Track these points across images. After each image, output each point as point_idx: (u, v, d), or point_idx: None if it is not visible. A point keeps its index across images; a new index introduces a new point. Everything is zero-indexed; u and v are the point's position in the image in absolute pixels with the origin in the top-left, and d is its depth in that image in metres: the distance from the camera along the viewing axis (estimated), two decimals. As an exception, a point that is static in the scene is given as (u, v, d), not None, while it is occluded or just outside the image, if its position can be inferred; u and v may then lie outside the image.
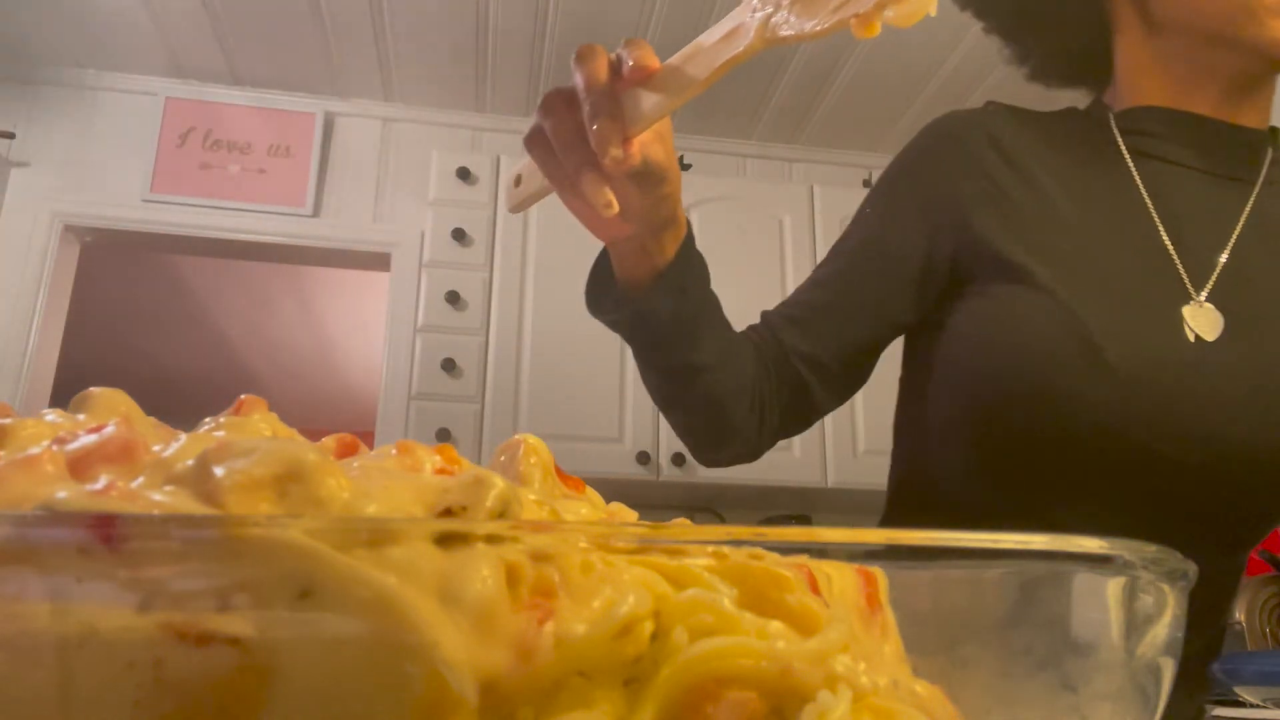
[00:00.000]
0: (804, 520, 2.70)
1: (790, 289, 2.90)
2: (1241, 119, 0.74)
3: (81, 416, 0.25)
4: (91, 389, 0.26)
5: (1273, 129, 0.76)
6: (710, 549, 0.20)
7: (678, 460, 2.38)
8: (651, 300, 0.63)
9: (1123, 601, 0.22)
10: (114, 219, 2.67)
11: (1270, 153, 0.75)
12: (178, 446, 0.21)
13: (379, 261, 2.80)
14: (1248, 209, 0.72)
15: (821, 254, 3.11)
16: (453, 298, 2.47)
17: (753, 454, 0.75)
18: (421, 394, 2.40)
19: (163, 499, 0.19)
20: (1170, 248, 0.70)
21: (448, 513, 0.20)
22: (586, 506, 0.26)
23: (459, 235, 2.51)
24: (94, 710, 0.16)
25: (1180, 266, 0.69)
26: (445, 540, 0.17)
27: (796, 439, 2.45)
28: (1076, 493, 0.66)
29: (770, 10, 0.45)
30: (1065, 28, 0.80)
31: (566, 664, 0.18)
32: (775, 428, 0.75)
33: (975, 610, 0.22)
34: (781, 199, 2.69)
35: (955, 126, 0.77)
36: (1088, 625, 0.22)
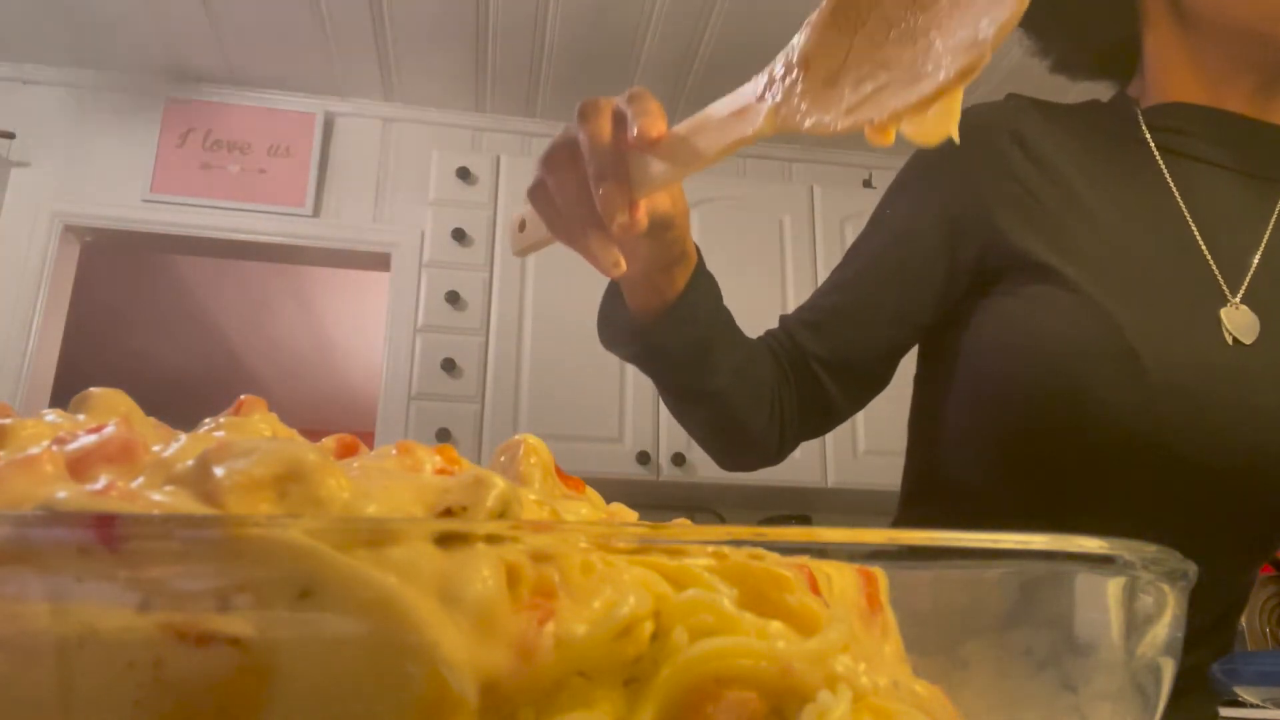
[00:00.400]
0: (804, 520, 2.70)
1: (790, 289, 2.90)
2: (1274, 116, 0.72)
3: (81, 417, 0.25)
4: (91, 389, 0.26)
5: None
6: (710, 549, 0.20)
7: (678, 460, 2.38)
8: (662, 333, 0.63)
9: (1123, 601, 0.22)
10: (114, 219, 2.67)
11: None
12: (178, 447, 0.21)
13: (379, 261, 2.80)
14: (1278, 208, 0.70)
15: (822, 254, 3.08)
16: (453, 298, 2.47)
17: (774, 459, 0.74)
18: (421, 394, 2.41)
19: (163, 499, 0.19)
20: (1204, 248, 0.68)
21: (448, 513, 0.20)
22: (587, 507, 0.26)
23: (459, 235, 2.51)
24: (94, 710, 0.16)
25: (1215, 268, 0.68)
26: (445, 540, 0.17)
27: (796, 439, 2.45)
28: (1104, 500, 0.65)
29: (781, 98, 0.43)
30: (1095, 22, 0.78)
31: (567, 664, 0.18)
32: (795, 432, 0.74)
33: (975, 610, 0.22)
34: (781, 199, 2.69)
35: (976, 122, 0.75)
36: (1088, 625, 0.22)
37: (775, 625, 0.20)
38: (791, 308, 2.70)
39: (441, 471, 0.24)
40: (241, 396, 0.27)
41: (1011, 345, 0.67)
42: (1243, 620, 2.18)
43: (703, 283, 0.63)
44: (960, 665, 0.23)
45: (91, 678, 0.16)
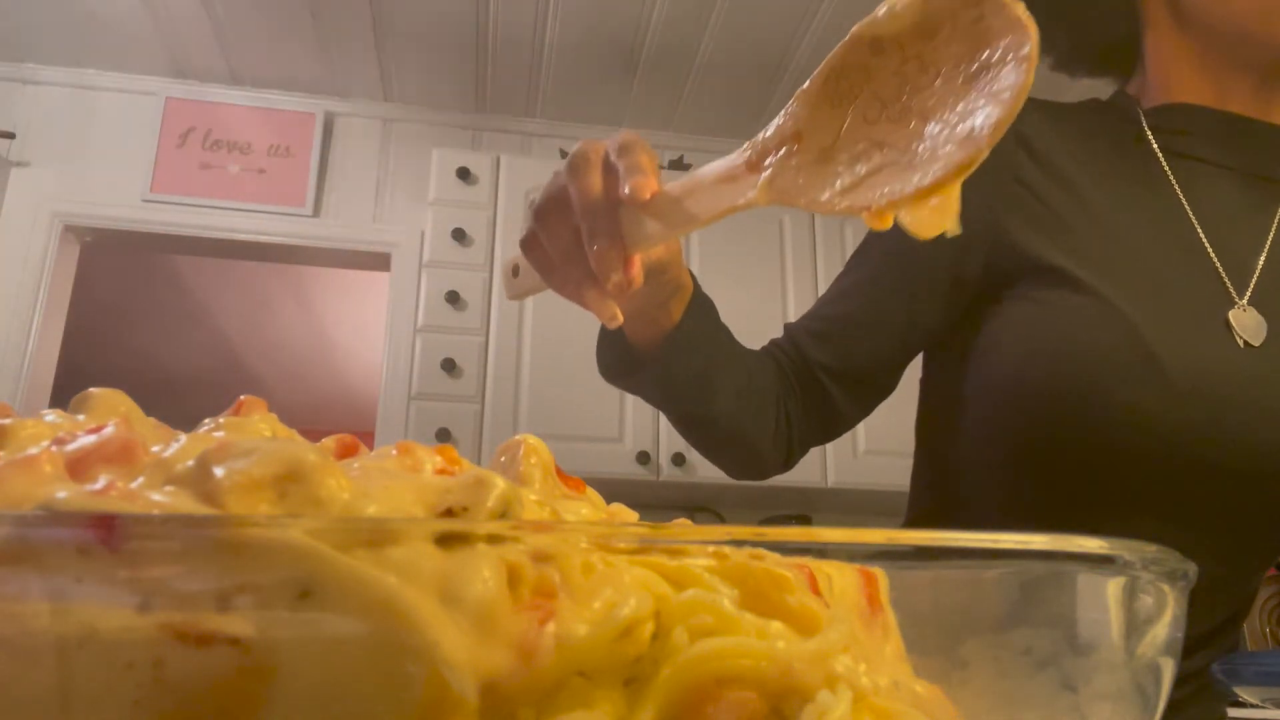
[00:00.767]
0: (804, 520, 2.70)
1: (790, 289, 2.90)
2: (1276, 116, 0.71)
3: (81, 417, 0.25)
4: (91, 389, 0.26)
5: None
6: (711, 549, 0.20)
7: (678, 460, 2.38)
8: (660, 364, 0.63)
9: (1123, 601, 0.22)
10: (114, 219, 2.67)
11: None
12: (178, 447, 0.21)
13: (379, 261, 2.80)
14: None
15: (822, 255, 3.08)
16: (453, 298, 2.47)
17: (783, 468, 0.74)
18: (421, 394, 2.40)
19: (162, 499, 0.19)
20: (1210, 251, 0.68)
21: (449, 513, 0.20)
22: (587, 507, 0.26)
23: (459, 235, 2.51)
24: (94, 710, 0.16)
25: (1222, 270, 0.67)
26: (446, 540, 0.17)
27: (796, 439, 2.45)
28: (1121, 503, 0.65)
29: (774, 172, 0.43)
30: (1095, 21, 0.78)
31: (567, 665, 0.18)
32: (802, 441, 0.74)
33: (975, 610, 0.22)
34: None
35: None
36: (1088, 625, 0.22)
37: (775, 625, 0.20)
38: (791, 308, 2.70)
39: (442, 472, 0.24)
40: (241, 397, 0.27)
41: (1028, 349, 0.67)
42: (1243, 620, 2.18)
43: (699, 310, 0.63)
44: (960, 665, 0.23)
45: (91, 678, 0.16)
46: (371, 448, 0.27)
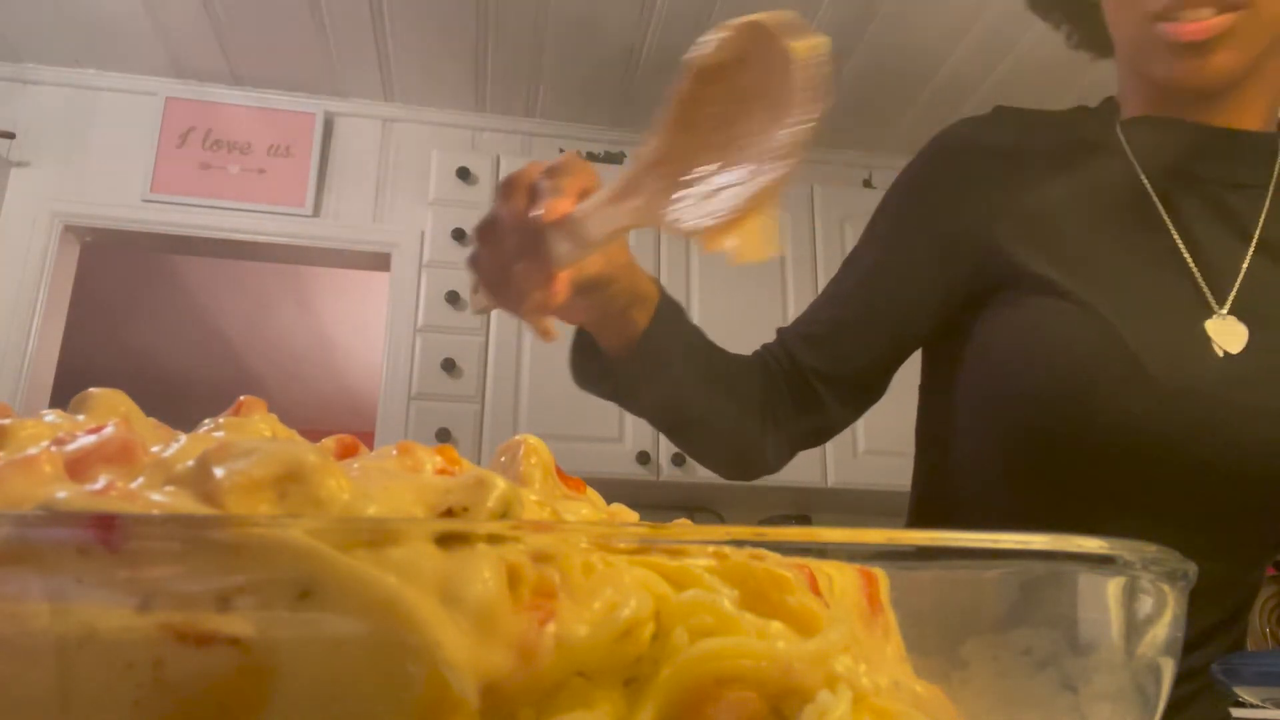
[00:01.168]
0: (804, 520, 2.70)
1: (790, 289, 2.91)
2: (1241, 123, 0.71)
3: (81, 417, 0.25)
4: (91, 389, 0.26)
5: (1275, 129, 0.74)
6: (711, 549, 0.20)
7: (678, 460, 2.38)
8: (630, 372, 0.64)
9: (1123, 601, 0.22)
10: (114, 219, 2.67)
11: (1272, 152, 0.72)
12: (178, 447, 0.21)
13: (379, 262, 2.80)
14: (1261, 217, 0.70)
15: (822, 255, 3.09)
16: (453, 297, 2.47)
17: (773, 469, 0.75)
18: (421, 394, 2.40)
19: (162, 499, 0.19)
20: (1188, 260, 0.69)
21: (449, 514, 0.20)
22: (587, 507, 0.26)
23: (459, 235, 2.51)
24: (94, 710, 0.16)
25: (1199, 279, 0.68)
26: (446, 541, 0.17)
27: (796, 439, 2.45)
28: (1114, 503, 0.66)
29: (644, 197, 0.45)
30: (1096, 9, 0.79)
31: (567, 665, 0.18)
32: (793, 444, 0.75)
33: (975, 610, 0.22)
34: (781, 199, 2.68)
35: (963, 139, 0.76)
36: (1088, 625, 0.22)
37: (775, 626, 0.20)
38: (791, 308, 2.71)
39: (442, 472, 0.24)
40: (241, 397, 0.27)
41: (1016, 355, 0.68)
42: (1243, 620, 2.18)
43: (667, 316, 0.64)
44: (960, 665, 0.23)
45: (91, 678, 0.16)
46: (371, 448, 0.27)
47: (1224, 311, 0.67)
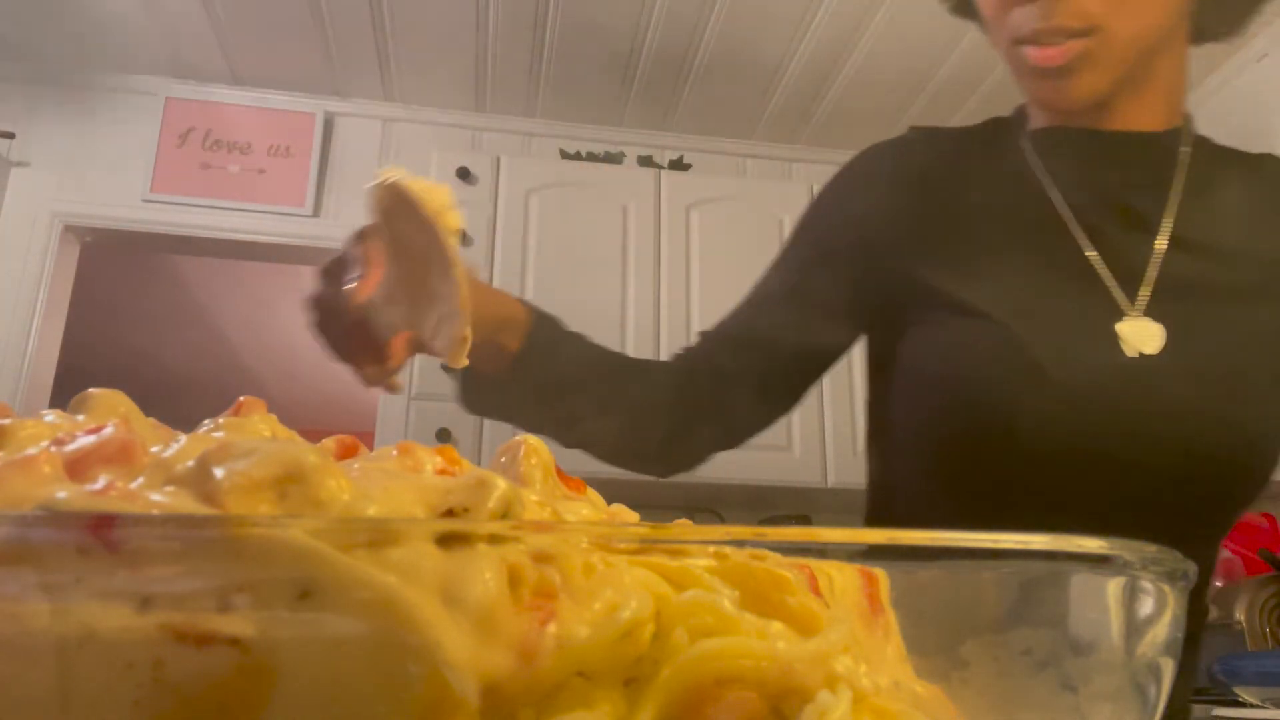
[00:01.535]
0: (804, 520, 2.69)
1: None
2: (1140, 124, 0.72)
3: (81, 417, 0.25)
4: (91, 390, 0.26)
5: (1176, 129, 0.74)
6: (711, 550, 0.20)
7: (678, 460, 2.38)
8: (509, 397, 0.68)
9: (1123, 601, 0.22)
10: (114, 219, 2.67)
11: (1182, 151, 0.73)
12: (177, 448, 0.21)
13: (379, 261, 2.80)
14: (1165, 215, 0.71)
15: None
16: (453, 298, 2.47)
17: (682, 469, 0.78)
18: (421, 394, 2.40)
19: (162, 499, 0.19)
20: (1096, 265, 0.70)
21: (450, 514, 0.20)
22: (588, 507, 0.26)
23: (459, 235, 2.51)
24: (94, 711, 0.16)
25: (1110, 282, 0.70)
26: (447, 541, 0.17)
27: (796, 439, 2.45)
28: (1050, 506, 0.67)
29: (398, 313, 0.52)
30: None
31: (567, 665, 0.18)
32: (704, 444, 0.77)
33: (975, 610, 0.22)
34: (781, 199, 2.68)
35: (876, 163, 0.79)
36: (1088, 625, 0.22)
37: (776, 626, 0.20)
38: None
39: (442, 472, 0.24)
40: (241, 397, 0.27)
41: (934, 374, 0.71)
42: (1242, 619, 2.18)
43: (540, 336, 0.67)
44: (960, 665, 0.23)
45: (91, 678, 0.16)
46: (371, 448, 0.27)
47: (1137, 313, 0.68)
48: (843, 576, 0.22)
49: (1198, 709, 1.71)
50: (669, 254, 2.56)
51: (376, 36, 2.60)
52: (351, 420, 5.40)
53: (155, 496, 0.19)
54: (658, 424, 0.74)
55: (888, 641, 0.23)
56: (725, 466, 0.95)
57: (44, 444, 0.21)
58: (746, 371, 0.75)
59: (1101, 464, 0.66)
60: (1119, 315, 0.69)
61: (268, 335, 4.58)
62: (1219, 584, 2.20)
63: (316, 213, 2.76)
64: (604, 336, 0.75)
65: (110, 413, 0.25)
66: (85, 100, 2.75)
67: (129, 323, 4.38)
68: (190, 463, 0.19)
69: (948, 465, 0.71)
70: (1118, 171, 0.73)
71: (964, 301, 0.70)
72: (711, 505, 2.69)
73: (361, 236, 0.54)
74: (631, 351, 0.87)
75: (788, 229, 3.15)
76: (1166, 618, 0.22)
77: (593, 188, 2.59)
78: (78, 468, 0.20)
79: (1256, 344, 0.69)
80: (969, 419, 0.68)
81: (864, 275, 0.75)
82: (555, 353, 0.69)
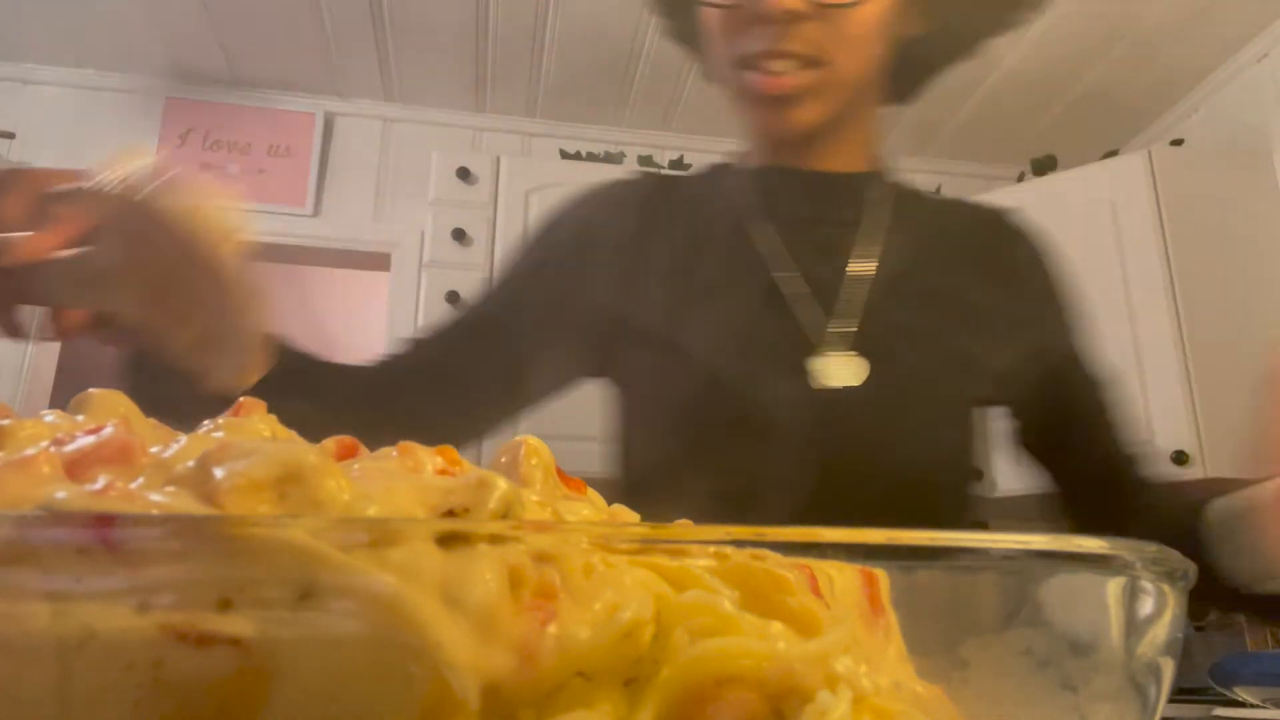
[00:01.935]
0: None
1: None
2: (840, 165, 0.76)
3: (80, 417, 0.25)
4: (91, 390, 0.26)
5: (876, 173, 0.78)
6: (711, 550, 0.20)
7: (678, 460, 2.38)
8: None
9: (1123, 601, 0.22)
10: (114, 219, 2.67)
11: (882, 193, 0.77)
12: (177, 448, 0.21)
13: (379, 261, 2.80)
14: (870, 254, 0.74)
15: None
16: (453, 298, 2.47)
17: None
18: (421, 394, 2.40)
19: (162, 500, 0.19)
20: (796, 301, 0.72)
21: (450, 514, 0.20)
22: (588, 507, 0.26)
23: (459, 235, 2.51)
24: (94, 711, 0.16)
25: (813, 318, 0.72)
26: (447, 541, 0.17)
27: (796, 439, 2.45)
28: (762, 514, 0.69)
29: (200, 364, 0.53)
30: None
31: (568, 666, 0.18)
32: (457, 433, 0.77)
33: (975, 610, 0.22)
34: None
35: (598, 205, 0.80)
36: (1088, 625, 0.22)
37: (776, 626, 0.20)
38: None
39: (443, 472, 0.24)
40: (241, 397, 0.27)
41: (643, 408, 0.75)
42: (1243, 620, 2.17)
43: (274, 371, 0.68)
44: (960, 665, 0.23)
45: (91, 679, 0.16)
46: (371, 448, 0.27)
47: (838, 346, 0.71)
48: (843, 577, 0.22)
49: (1198, 709, 1.71)
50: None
51: (376, 37, 2.60)
52: (351, 420, 5.39)
53: (155, 497, 0.19)
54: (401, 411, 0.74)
55: (888, 642, 0.23)
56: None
57: (44, 444, 0.21)
58: (438, 385, 0.76)
59: (804, 495, 0.67)
60: (817, 349, 0.71)
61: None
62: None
63: (316, 213, 2.76)
64: (602, 336, 0.76)
65: (110, 413, 0.25)
66: (85, 100, 2.75)
67: (129, 323, 4.38)
68: (190, 463, 0.19)
69: (676, 471, 0.72)
70: (822, 208, 0.76)
71: (666, 339, 0.72)
72: (711, 505, 2.69)
73: (61, 197, 0.50)
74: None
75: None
76: (1166, 617, 0.22)
77: (593, 188, 2.59)
78: (77, 468, 0.20)
79: (949, 373, 0.72)
80: (678, 445, 0.71)
81: (568, 313, 0.76)
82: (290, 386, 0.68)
